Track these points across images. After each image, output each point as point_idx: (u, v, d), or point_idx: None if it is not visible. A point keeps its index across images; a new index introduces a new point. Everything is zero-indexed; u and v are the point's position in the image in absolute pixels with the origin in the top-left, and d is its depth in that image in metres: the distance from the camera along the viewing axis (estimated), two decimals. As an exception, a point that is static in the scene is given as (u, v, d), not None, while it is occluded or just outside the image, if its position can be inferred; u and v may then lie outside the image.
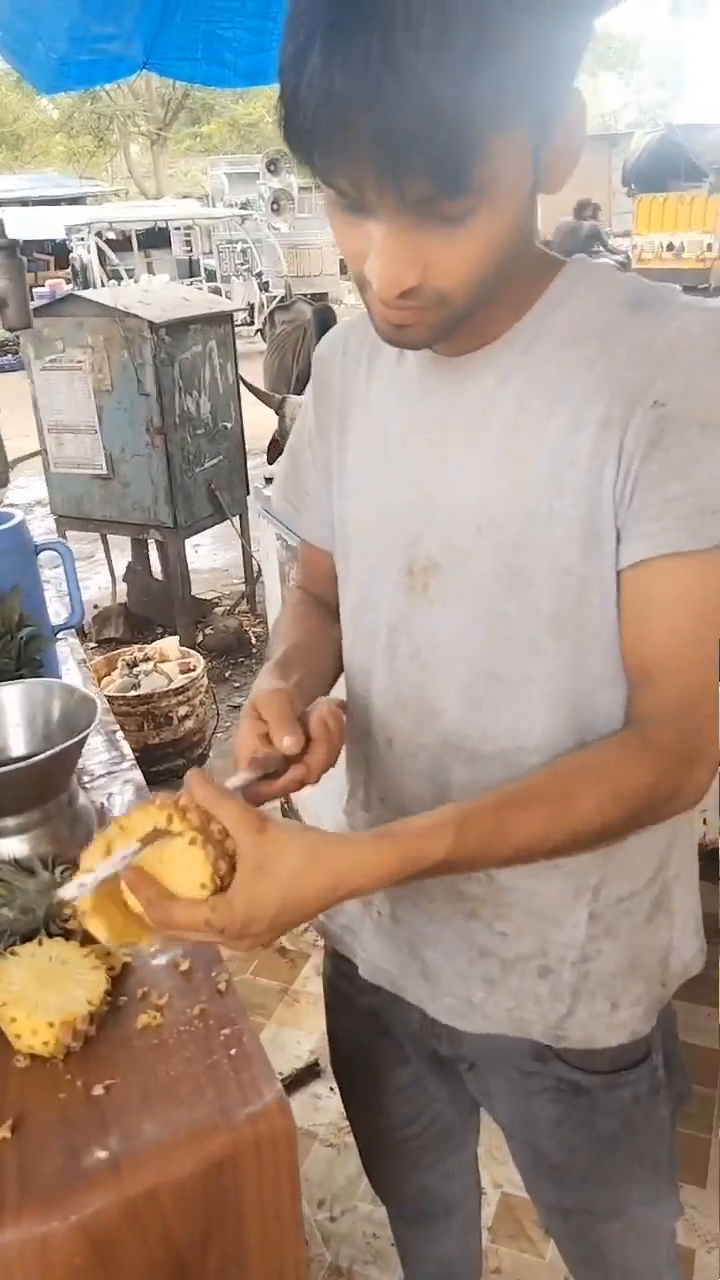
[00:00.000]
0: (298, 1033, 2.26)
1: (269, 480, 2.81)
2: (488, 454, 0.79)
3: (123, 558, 4.70)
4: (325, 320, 4.63)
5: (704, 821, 2.54)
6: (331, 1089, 2.05)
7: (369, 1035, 1.09)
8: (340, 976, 1.09)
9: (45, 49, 2.46)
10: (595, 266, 0.81)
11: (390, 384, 0.88)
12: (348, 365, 0.94)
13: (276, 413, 3.53)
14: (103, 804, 1.20)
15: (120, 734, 1.42)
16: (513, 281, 0.75)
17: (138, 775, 1.30)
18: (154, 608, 4.51)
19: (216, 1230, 0.75)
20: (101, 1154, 0.73)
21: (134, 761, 1.33)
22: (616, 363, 0.73)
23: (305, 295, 8.15)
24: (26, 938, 0.91)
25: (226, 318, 4.28)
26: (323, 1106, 2.07)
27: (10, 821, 1.00)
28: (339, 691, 0.99)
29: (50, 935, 0.92)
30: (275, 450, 3.63)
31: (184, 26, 2.53)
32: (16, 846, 1.00)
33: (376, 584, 0.89)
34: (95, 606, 4.73)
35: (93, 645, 4.37)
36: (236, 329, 4.57)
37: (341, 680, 1.00)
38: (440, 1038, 0.98)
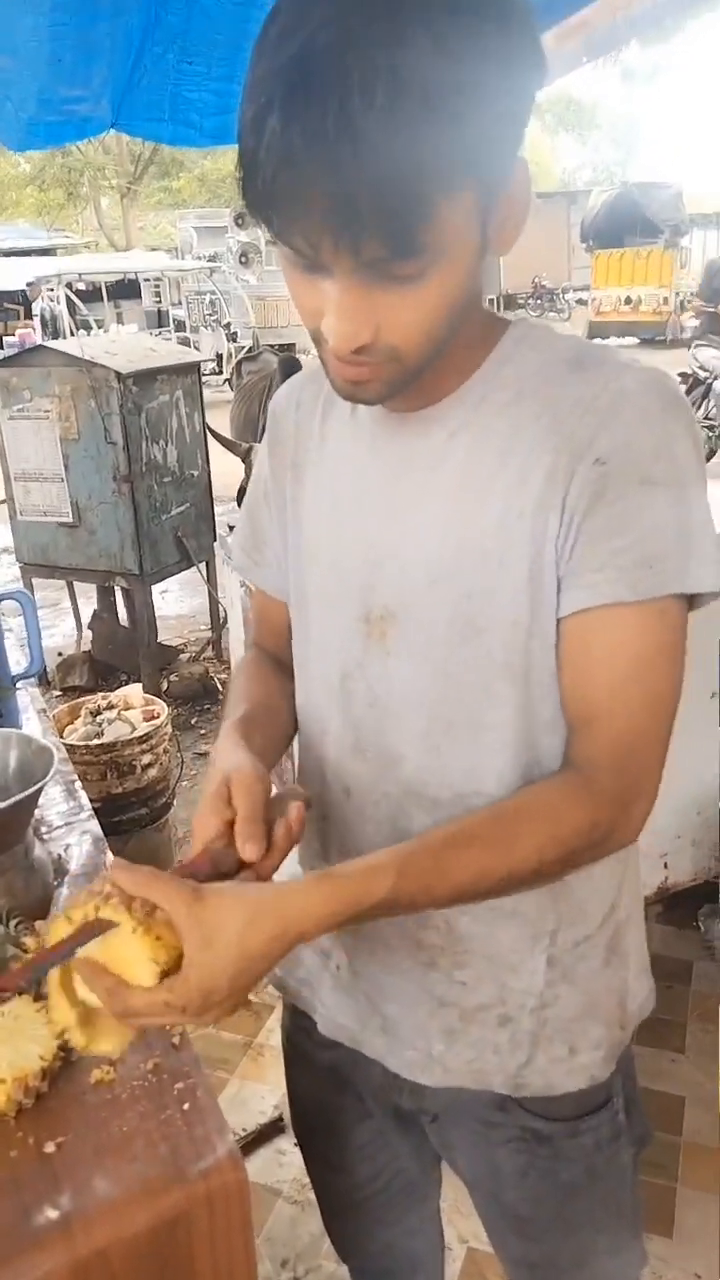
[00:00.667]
0: (261, 1087, 2.23)
1: (233, 528, 2.84)
2: (439, 507, 0.82)
3: (89, 605, 4.69)
4: (290, 370, 4.70)
5: (665, 865, 2.56)
6: (295, 1145, 2.03)
7: (329, 1092, 1.08)
8: (299, 1032, 1.08)
9: (15, 109, 2.51)
10: (538, 326, 0.85)
11: (344, 437, 0.91)
12: (301, 418, 0.96)
13: (243, 461, 3.57)
14: (60, 855, 1.20)
15: (79, 784, 1.41)
16: (462, 340, 0.78)
17: (95, 826, 1.29)
18: (119, 655, 4.50)
19: (168, 1289, 0.74)
20: (52, 1213, 0.72)
21: (92, 812, 1.33)
22: (560, 418, 0.76)
23: (272, 346, 8.27)
24: (-20, 992, 0.91)
25: (193, 368, 4.33)
26: (286, 1163, 2.03)
27: (-35, 874, 1.00)
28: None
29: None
30: (244, 497, 3.67)
31: (151, 88, 2.59)
32: (-29, 899, 0.99)
33: (332, 633, 0.91)
34: (60, 654, 4.71)
35: (57, 693, 4.34)
36: (205, 378, 4.63)
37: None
38: (402, 1091, 0.98)
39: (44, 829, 1.28)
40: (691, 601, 0.78)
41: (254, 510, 1.04)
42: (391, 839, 0.87)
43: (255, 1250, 0.78)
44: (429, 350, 0.73)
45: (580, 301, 18.72)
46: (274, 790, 0.84)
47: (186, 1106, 0.81)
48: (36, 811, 1.25)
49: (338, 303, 0.69)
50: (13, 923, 0.95)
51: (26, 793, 1.00)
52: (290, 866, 1.04)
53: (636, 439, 0.74)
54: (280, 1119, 2.12)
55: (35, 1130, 0.80)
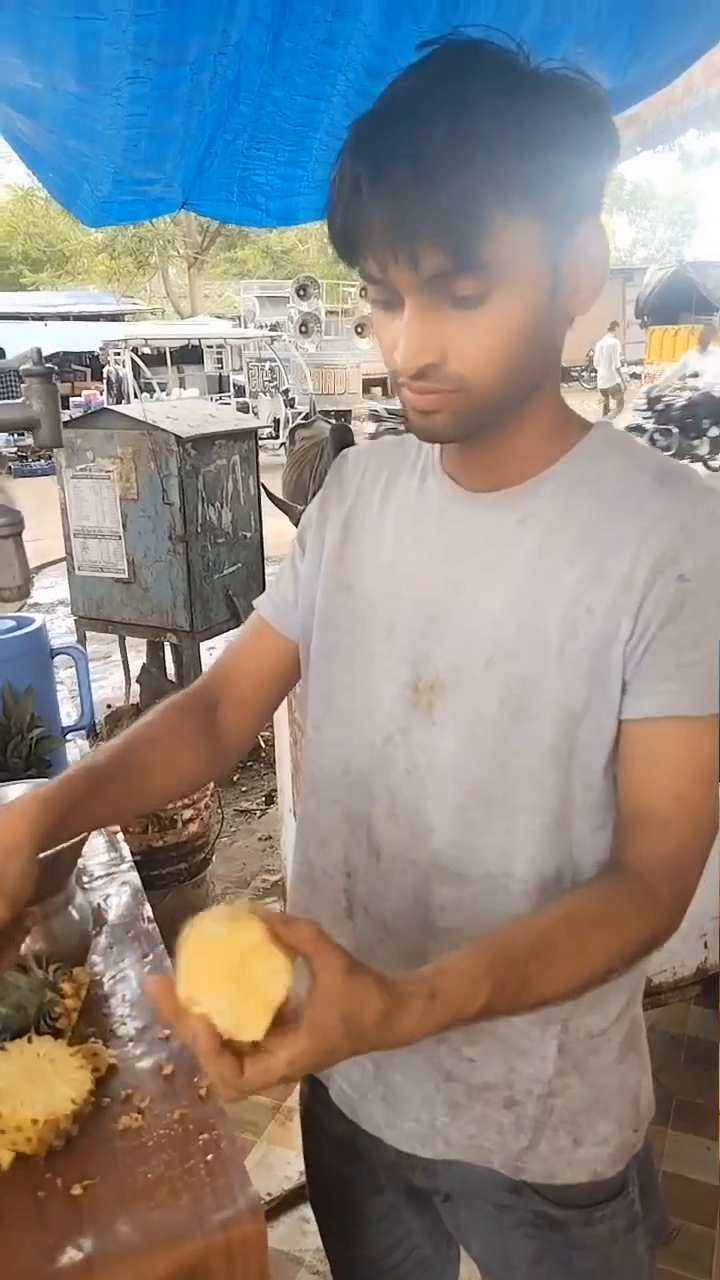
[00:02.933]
0: (288, 1153, 2.21)
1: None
2: (505, 588, 0.84)
3: (139, 659, 4.78)
4: (342, 437, 4.80)
5: (705, 946, 2.51)
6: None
7: (344, 1163, 1.07)
8: (316, 1101, 1.08)
9: (90, 190, 2.65)
10: (622, 434, 0.88)
11: (409, 509, 0.93)
12: (364, 483, 0.98)
13: (295, 524, 3.65)
14: (100, 904, 1.23)
15: (121, 836, 1.45)
16: (540, 423, 0.84)
17: (135, 878, 1.33)
18: (166, 710, 4.55)
19: (184, 1339, 0.75)
20: (75, 1254, 0.74)
21: (132, 864, 1.36)
22: (644, 527, 0.79)
23: (328, 412, 8.46)
24: (17, 1034, 0.94)
25: (250, 434, 4.46)
26: (310, 1231, 2.00)
27: (9, 918, 1.03)
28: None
29: (40, 1033, 0.94)
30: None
31: (221, 172, 2.71)
32: (13, 943, 1.02)
33: (377, 694, 0.91)
34: (109, 706, 4.78)
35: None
36: (262, 442, 4.75)
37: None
38: (414, 1169, 0.97)
39: (85, 878, 1.32)
40: None
41: (295, 558, 1.04)
42: (414, 909, 0.89)
43: (271, 1304, 0.78)
44: (496, 384, 0.77)
45: (634, 375, 18.88)
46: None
47: (210, 1157, 0.82)
48: (79, 861, 1.29)
49: (407, 323, 0.75)
50: (52, 968, 0.98)
51: (71, 842, 1.03)
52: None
53: (719, 562, 0.78)
54: (305, 1185, 2.09)
55: (63, 1172, 0.82)
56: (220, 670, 1.09)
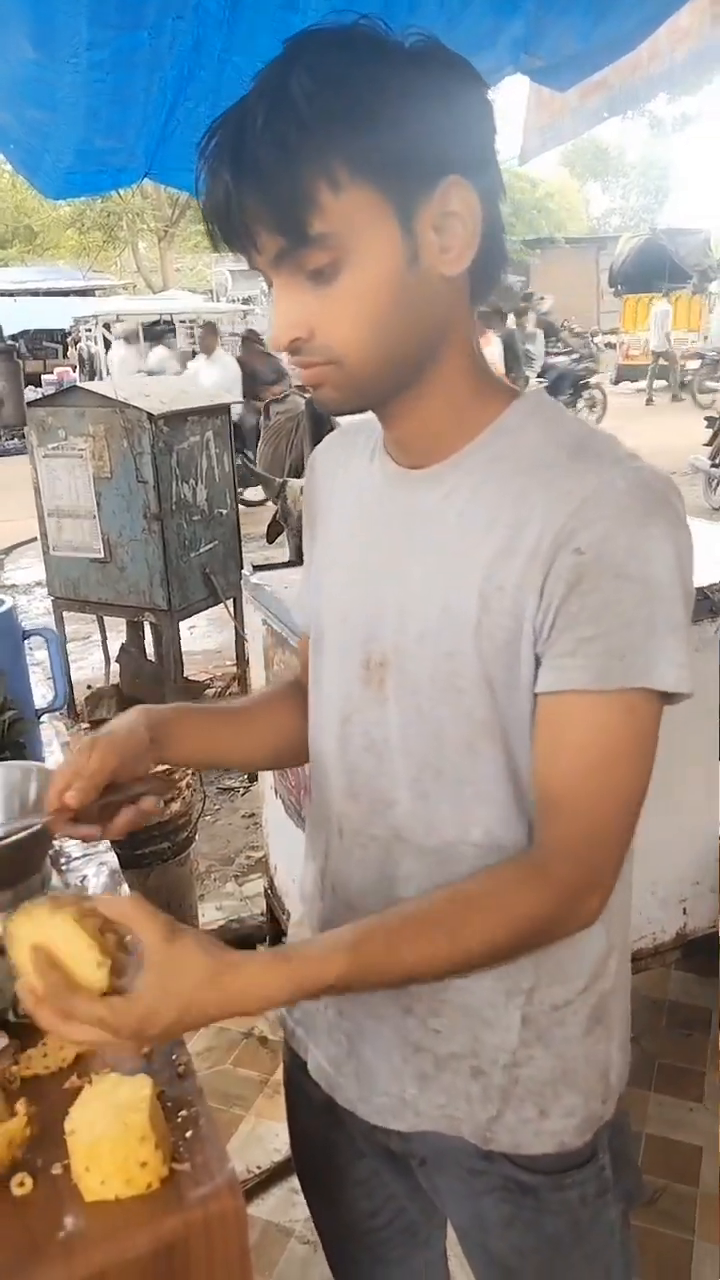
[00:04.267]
0: (277, 1125, 2.22)
1: (256, 567, 2.88)
2: (429, 566, 0.85)
3: (118, 639, 4.76)
4: (317, 412, 4.78)
5: (684, 911, 2.54)
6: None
7: (324, 1129, 1.08)
8: (297, 1069, 1.09)
9: (53, 161, 2.60)
10: (547, 404, 0.87)
11: (357, 489, 0.95)
12: (326, 475, 1.02)
13: (276, 496, 3.63)
14: (77, 885, 1.23)
15: (98, 816, 1.44)
16: (452, 390, 0.84)
17: (113, 859, 1.32)
18: (146, 689, 4.55)
19: (166, 1314, 0.75)
20: (57, 1233, 0.74)
21: (110, 845, 1.36)
22: (551, 500, 0.78)
23: (301, 387, 8.39)
24: (-7, 1017, 0.93)
25: (223, 409, 4.42)
26: (300, 1202, 2.01)
27: (-16, 901, 1.02)
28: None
29: (17, 1018, 0.94)
30: (275, 530, 3.74)
31: (182, 141, 2.67)
32: (-12, 926, 1.02)
33: (339, 676, 0.94)
34: (89, 687, 4.77)
35: (85, 726, 4.39)
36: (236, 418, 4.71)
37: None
38: (389, 1134, 0.99)
39: (63, 859, 1.31)
40: (666, 698, 0.79)
41: (306, 562, 1.09)
42: (379, 882, 0.90)
43: (252, 1275, 0.79)
44: (369, 355, 0.78)
45: (609, 345, 18.84)
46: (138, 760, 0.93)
47: (189, 1134, 0.82)
48: (55, 842, 1.28)
49: (274, 302, 0.78)
50: (27, 950, 0.98)
51: (43, 822, 1.03)
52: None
53: (615, 534, 0.76)
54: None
55: (43, 1153, 0.82)
56: (302, 668, 1.14)
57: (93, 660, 5.19)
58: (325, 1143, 1.10)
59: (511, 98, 2.89)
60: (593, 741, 0.78)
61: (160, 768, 0.93)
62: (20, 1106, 0.84)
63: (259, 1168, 2.09)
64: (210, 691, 4.81)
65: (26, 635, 1.52)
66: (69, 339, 16.58)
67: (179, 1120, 0.84)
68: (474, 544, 0.82)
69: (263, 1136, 2.20)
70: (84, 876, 1.27)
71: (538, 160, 2.93)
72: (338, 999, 0.97)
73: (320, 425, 3.10)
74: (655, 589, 0.76)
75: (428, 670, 0.84)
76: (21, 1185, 0.79)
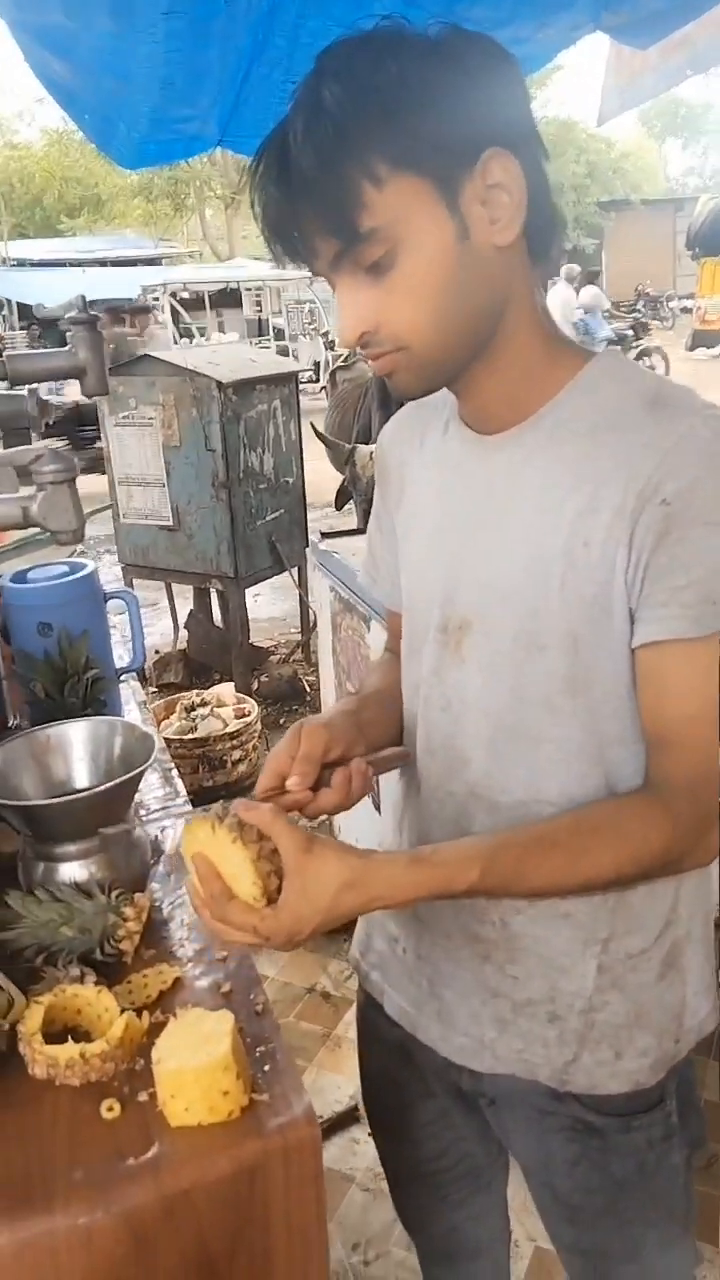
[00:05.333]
0: (338, 1078, 2.29)
1: (324, 535, 2.91)
2: (513, 526, 0.87)
3: (185, 605, 4.84)
4: (383, 380, 4.76)
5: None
6: (370, 1134, 2.08)
7: (397, 1068, 1.13)
8: (371, 1008, 1.14)
9: (127, 130, 2.63)
10: (625, 362, 0.89)
11: (436, 460, 0.98)
12: (402, 448, 1.05)
13: (345, 462, 3.64)
14: (156, 836, 1.28)
15: (175, 772, 1.49)
16: (523, 356, 0.86)
17: (190, 811, 1.37)
18: (213, 655, 4.63)
19: (245, 1233, 0.80)
20: (145, 1154, 0.79)
21: (187, 799, 1.41)
22: (633, 455, 0.80)
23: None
24: (83, 955, 0.99)
25: (290, 377, 4.44)
26: (360, 1151, 2.09)
27: (72, 847, 1.08)
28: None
29: (105, 954, 1.00)
30: (343, 497, 3.76)
31: (256, 108, 2.68)
32: (77, 870, 1.07)
33: (419, 640, 0.98)
34: (157, 652, 4.87)
35: (153, 689, 4.49)
36: (302, 386, 4.72)
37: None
38: (461, 1073, 1.03)
39: (142, 811, 1.37)
40: None
41: (371, 533, 1.14)
42: (454, 835, 0.94)
43: (325, 1202, 0.83)
44: (435, 337, 0.81)
45: (685, 310, 18.35)
46: (351, 745, 0.95)
47: (267, 1068, 0.87)
48: (137, 795, 1.34)
49: (337, 303, 0.81)
50: (114, 894, 1.03)
51: (130, 774, 1.07)
52: (370, 837, 1.11)
53: (701, 483, 0.78)
54: (355, 1109, 2.17)
55: (130, 1082, 0.87)
56: (390, 635, 1.19)
57: (161, 626, 5.29)
58: (396, 1082, 1.15)
59: (587, 55, 2.83)
60: (697, 685, 0.81)
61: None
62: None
63: (321, 1117, 2.16)
64: (275, 658, 4.87)
65: (108, 598, 1.58)
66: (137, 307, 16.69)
67: (257, 1055, 0.88)
68: (557, 502, 0.84)
69: (324, 1088, 2.27)
70: (163, 828, 1.32)
71: (614, 120, 2.87)
72: (416, 943, 1.02)
73: (388, 393, 3.10)
74: None
75: (511, 629, 0.87)
76: (111, 1110, 0.84)
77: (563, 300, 12.50)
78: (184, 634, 4.80)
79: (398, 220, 0.76)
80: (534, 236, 0.83)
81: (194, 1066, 0.80)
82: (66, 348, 1.47)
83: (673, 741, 0.83)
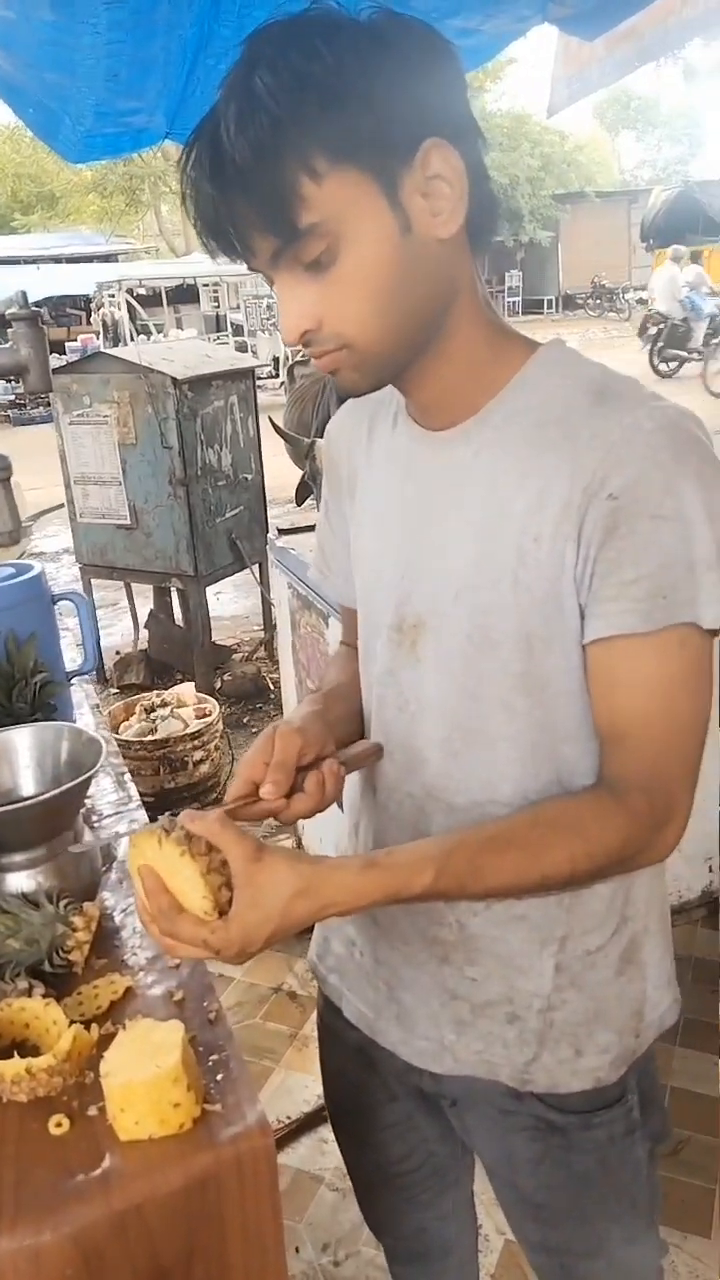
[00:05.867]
0: (306, 1077, 2.28)
1: (282, 531, 2.89)
2: (463, 523, 0.86)
3: (145, 605, 4.80)
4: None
5: (710, 870, 2.55)
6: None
7: (358, 1071, 1.12)
8: (330, 1012, 1.13)
9: (73, 124, 2.59)
10: (569, 352, 0.88)
11: (385, 455, 0.96)
12: (351, 442, 1.03)
13: (305, 457, 3.61)
14: (109, 842, 1.26)
15: (128, 776, 1.47)
16: (468, 349, 0.84)
17: (144, 816, 1.35)
18: (174, 654, 4.59)
19: (200, 1246, 0.78)
20: (94, 1171, 0.77)
21: (140, 803, 1.39)
22: (578, 449, 0.79)
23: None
24: (31, 967, 0.96)
25: (247, 373, 4.41)
26: (329, 1150, 2.08)
27: (18, 857, 1.05)
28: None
29: (53, 965, 0.97)
30: (304, 492, 3.74)
31: (204, 99, 2.64)
32: (24, 881, 1.05)
33: (373, 639, 0.96)
34: (117, 653, 4.82)
35: (114, 691, 4.44)
36: (261, 382, 4.69)
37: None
38: (421, 1075, 1.02)
39: (94, 817, 1.34)
40: (714, 632, 0.80)
41: (321, 528, 1.12)
42: (412, 837, 0.92)
43: (281, 1211, 0.82)
44: (378, 333, 0.79)
45: (640, 301, 18.50)
46: (323, 746, 0.92)
47: (220, 1077, 0.85)
48: (87, 801, 1.31)
49: (278, 301, 0.79)
50: (62, 903, 1.01)
51: (76, 781, 1.05)
52: (337, 841, 1.10)
53: (646, 476, 0.77)
54: (323, 1109, 2.16)
55: (80, 1096, 0.85)
56: (345, 630, 1.17)
57: (121, 627, 5.24)
58: (358, 1086, 1.13)
59: (540, 49, 2.83)
60: (649, 677, 0.80)
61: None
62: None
63: (289, 1118, 2.15)
64: (238, 656, 4.84)
65: (56, 600, 1.55)
66: (92, 305, 16.55)
67: (210, 1064, 0.87)
68: (506, 498, 0.83)
69: (292, 1088, 2.25)
70: (116, 833, 1.29)
71: (567, 112, 2.87)
72: (374, 947, 1.01)
73: (344, 388, 3.08)
74: (691, 526, 0.77)
75: (464, 628, 0.86)
76: (59, 1125, 0.82)
77: (669, 278, 12.84)
78: (144, 634, 4.76)
79: (338, 215, 0.74)
80: (475, 227, 0.81)
81: (143, 1079, 0.78)
82: (7, 344, 1.43)
83: (626, 737, 0.82)
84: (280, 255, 0.76)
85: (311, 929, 0.96)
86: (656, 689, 0.80)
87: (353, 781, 1.06)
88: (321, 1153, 2.08)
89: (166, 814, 0.80)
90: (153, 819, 1.37)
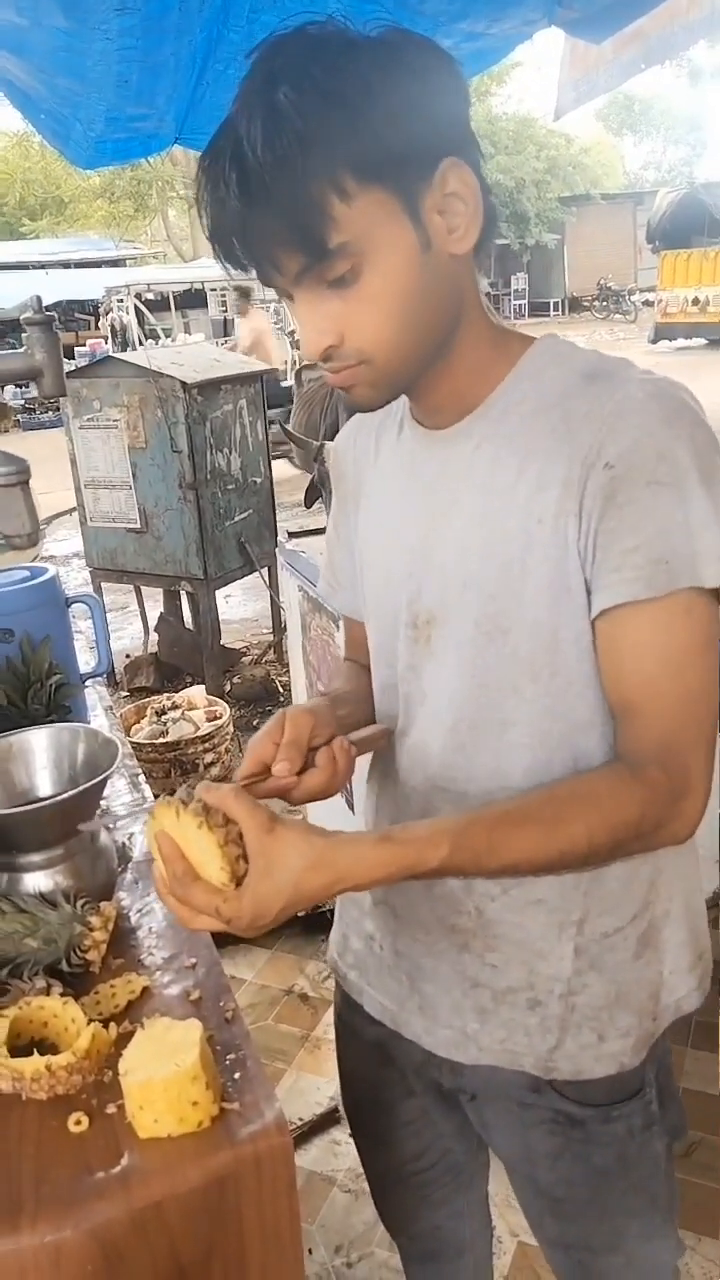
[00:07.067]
0: (318, 1079, 2.28)
1: (291, 535, 2.90)
2: (468, 515, 0.87)
3: (155, 608, 4.81)
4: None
5: (721, 869, 2.54)
6: (350, 1136, 2.07)
7: (376, 1067, 1.13)
8: (349, 1008, 1.13)
9: (83, 130, 2.60)
10: (561, 343, 0.89)
11: (393, 460, 0.98)
12: (358, 452, 1.05)
13: (314, 459, 3.62)
14: (124, 843, 1.26)
15: (142, 777, 1.48)
16: (474, 354, 0.86)
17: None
18: (184, 657, 4.60)
19: (219, 1242, 0.79)
20: (113, 1168, 0.78)
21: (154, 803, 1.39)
22: (574, 427, 0.81)
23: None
24: (49, 967, 0.97)
25: (256, 377, 4.42)
26: (341, 1152, 2.08)
27: (36, 857, 1.06)
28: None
29: (70, 965, 0.98)
30: (312, 495, 3.75)
31: (213, 104, 2.66)
32: (41, 880, 1.06)
33: (391, 640, 0.97)
34: (128, 656, 4.83)
35: (125, 694, 4.45)
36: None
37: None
38: (441, 1069, 1.02)
39: (110, 818, 1.35)
40: (718, 594, 0.80)
41: (330, 541, 1.14)
42: None
43: (299, 1209, 0.82)
44: (398, 349, 0.81)
45: (647, 303, 18.49)
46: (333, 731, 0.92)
47: (237, 1075, 0.86)
48: (103, 801, 1.32)
49: (299, 317, 0.80)
50: (79, 903, 1.02)
51: (92, 781, 1.06)
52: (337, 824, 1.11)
53: (641, 444, 0.78)
54: (336, 1110, 2.16)
55: (98, 1094, 0.85)
56: (348, 645, 1.18)
57: (131, 630, 5.25)
58: (376, 1082, 1.14)
59: (546, 52, 2.83)
60: (656, 646, 0.80)
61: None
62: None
63: (301, 1120, 2.15)
64: (247, 659, 4.85)
65: (70, 603, 1.56)
66: (100, 310, 16.60)
67: (228, 1063, 0.87)
68: (510, 485, 0.84)
69: (304, 1090, 2.26)
70: (130, 834, 1.30)
71: (572, 115, 2.88)
72: (393, 939, 1.01)
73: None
74: (686, 489, 0.78)
75: (473, 615, 0.87)
76: (79, 1124, 0.83)
77: None
78: (154, 637, 4.77)
79: (365, 234, 0.75)
80: (480, 239, 0.83)
81: (162, 1077, 0.79)
82: (22, 349, 1.44)
83: (636, 708, 0.81)
84: (305, 273, 0.77)
85: (325, 928, 0.96)
86: (664, 658, 0.80)
87: (364, 777, 1.07)
88: (334, 1155, 2.08)
89: (184, 786, 0.80)
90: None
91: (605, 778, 0.82)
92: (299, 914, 0.78)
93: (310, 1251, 1.87)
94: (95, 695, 1.74)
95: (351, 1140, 1.28)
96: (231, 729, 3.58)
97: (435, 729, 0.92)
